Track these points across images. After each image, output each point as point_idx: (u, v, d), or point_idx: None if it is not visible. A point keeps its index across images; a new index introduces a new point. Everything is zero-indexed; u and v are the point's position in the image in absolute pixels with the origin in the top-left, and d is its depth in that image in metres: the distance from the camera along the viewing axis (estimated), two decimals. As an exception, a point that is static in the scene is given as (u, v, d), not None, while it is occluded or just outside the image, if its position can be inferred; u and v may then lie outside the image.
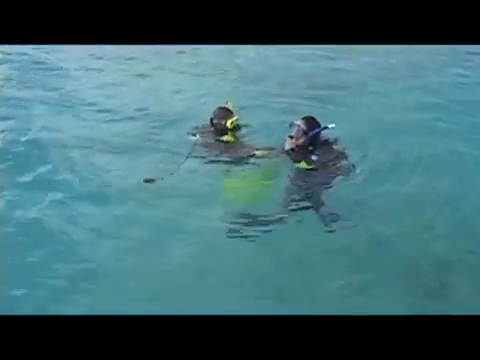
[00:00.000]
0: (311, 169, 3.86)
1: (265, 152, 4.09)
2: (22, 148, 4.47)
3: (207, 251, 3.25)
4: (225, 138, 4.22)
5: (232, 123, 4.18)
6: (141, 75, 6.36)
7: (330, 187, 3.80)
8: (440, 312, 2.65)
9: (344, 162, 3.92)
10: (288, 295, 2.99)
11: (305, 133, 3.89)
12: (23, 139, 4.60)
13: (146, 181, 3.76)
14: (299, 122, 3.93)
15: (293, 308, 2.80)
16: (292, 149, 3.94)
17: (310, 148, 3.91)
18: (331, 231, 3.41)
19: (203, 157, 4.16)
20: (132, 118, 5.06)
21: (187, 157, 4.02)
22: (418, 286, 3.05)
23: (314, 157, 3.87)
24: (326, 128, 3.90)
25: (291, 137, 3.96)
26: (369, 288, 3.01)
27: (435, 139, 4.61)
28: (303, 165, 3.89)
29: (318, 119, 3.96)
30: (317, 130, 3.90)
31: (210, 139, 4.26)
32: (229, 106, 4.30)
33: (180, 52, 6.92)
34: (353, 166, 3.92)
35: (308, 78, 6.16)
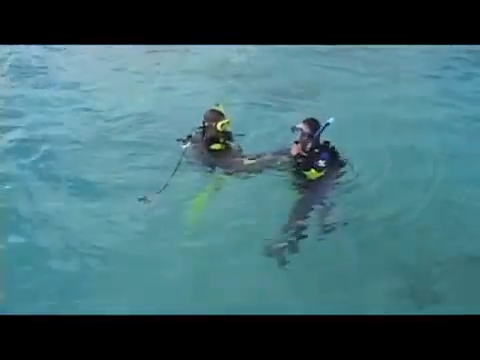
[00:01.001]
0: (320, 176, 3.81)
1: (254, 161, 4.01)
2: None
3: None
4: (214, 147, 4.14)
5: (222, 125, 4.08)
6: (131, 73, 6.42)
7: (331, 202, 3.75)
8: (429, 312, 2.68)
9: (347, 168, 3.91)
10: (283, 296, 3.00)
11: (310, 136, 3.85)
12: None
13: (140, 200, 3.65)
14: (301, 126, 3.87)
15: (287, 309, 2.81)
16: (299, 154, 3.87)
17: (316, 151, 3.85)
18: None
19: (192, 167, 4.08)
20: (122, 117, 5.08)
21: (177, 167, 3.91)
22: (407, 287, 3.07)
23: (322, 162, 3.79)
24: (328, 125, 3.83)
25: (297, 142, 3.89)
26: (358, 289, 3.03)
27: (424, 135, 4.66)
28: (314, 174, 3.81)
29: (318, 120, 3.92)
30: (321, 129, 3.84)
31: (201, 148, 4.17)
32: (220, 109, 4.21)
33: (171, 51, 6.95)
34: (356, 173, 3.87)
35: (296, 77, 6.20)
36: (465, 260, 3.29)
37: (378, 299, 2.97)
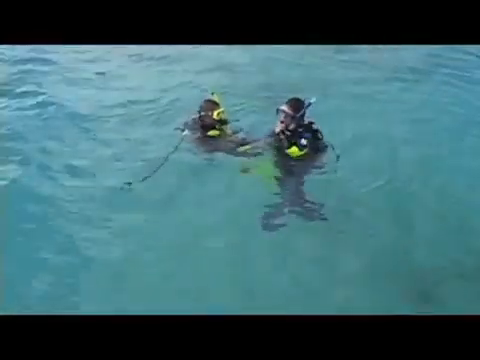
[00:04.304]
0: (302, 155, 3.93)
1: (246, 147, 4.13)
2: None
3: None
4: (211, 133, 4.29)
5: (218, 114, 4.26)
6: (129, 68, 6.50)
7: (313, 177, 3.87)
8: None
9: (328, 151, 4.03)
10: (281, 295, 3.00)
11: (293, 117, 3.96)
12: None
13: (124, 185, 3.72)
14: (284, 107, 3.98)
15: (285, 308, 2.80)
16: (282, 131, 3.99)
17: (300, 130, 3.98)
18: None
19: (191, 151, 4.22)
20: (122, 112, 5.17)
21: (173, 151, 4.04)
22: (403, 290, 3.06)
23: (304, 141, 3.93)
24: (310, 105, 3.96)
25: (281, 122, 4.02)
26: (354, 290, 3.03)
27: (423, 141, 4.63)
28: (294, 151, 3.94)
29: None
30: (303, 110, 3.96)
31: (198, 134, 4.33)
32: (215, 98, 4.36)
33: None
34: (337, 157, 3.97)
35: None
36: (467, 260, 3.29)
37: (380, 299, 2.97)
